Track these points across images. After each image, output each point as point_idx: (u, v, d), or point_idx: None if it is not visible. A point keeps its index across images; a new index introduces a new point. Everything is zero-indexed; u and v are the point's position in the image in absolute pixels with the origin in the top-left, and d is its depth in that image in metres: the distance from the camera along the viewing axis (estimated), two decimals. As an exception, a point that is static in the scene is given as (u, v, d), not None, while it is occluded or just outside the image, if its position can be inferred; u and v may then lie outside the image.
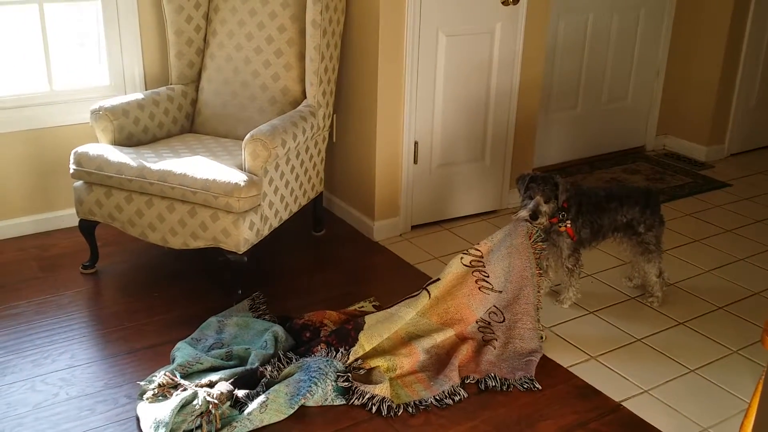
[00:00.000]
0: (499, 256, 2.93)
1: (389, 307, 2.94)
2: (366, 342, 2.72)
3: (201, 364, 2.62)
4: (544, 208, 2.92)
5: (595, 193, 3.14)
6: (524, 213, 2.92)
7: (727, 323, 3.10)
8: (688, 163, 4.98)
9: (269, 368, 2.59)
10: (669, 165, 4.94)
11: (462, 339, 2.86)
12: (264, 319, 2.96)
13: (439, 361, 2.77)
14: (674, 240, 3.80)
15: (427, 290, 2.91)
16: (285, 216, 3.31)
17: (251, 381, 2.56)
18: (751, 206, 4.31)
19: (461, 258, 2.95)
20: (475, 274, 2.93)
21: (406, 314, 2.84)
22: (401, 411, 2.52)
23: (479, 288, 2.93)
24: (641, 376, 2.74)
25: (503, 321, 2.91)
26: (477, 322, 2.91)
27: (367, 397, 2.53)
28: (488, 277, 2.93)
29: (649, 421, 2.50)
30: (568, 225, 3.02)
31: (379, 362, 2.68)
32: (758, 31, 4.86)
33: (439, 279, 2.94)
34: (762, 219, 4.13)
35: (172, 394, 2.45)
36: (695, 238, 3.88)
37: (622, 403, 2.59)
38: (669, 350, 2.90)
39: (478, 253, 2.95)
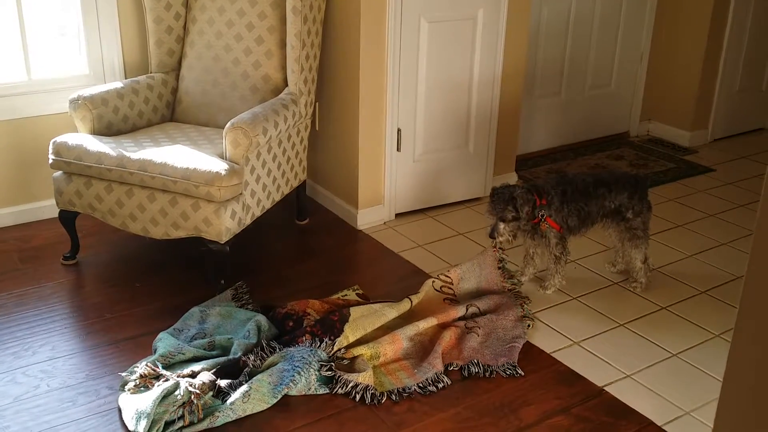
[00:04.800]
0: (469, 285, 3.12)
1: (373, 303, 2.94)
2: (351, 333, 2.72)
3: (183, 354, 2.61)
4: (502, 227, 2.99)
5: (582, 179, 3.13)
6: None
7: (709, 307, 3.12)
8: (671, 148, 5.00)
9: (252, 358, 2.58)
10: (653, 150, 4.95)
11: (445, 327, 2.86)
12: (247, 308, 2.95)
13: (422, 349, 2.77)
14: (658, 225, 3.81)
15: (409, 299, 2.96)
16: (267, 205, 3.29)
17: (234, 371, 2.55)
18: (734, 191, 4.32)
19: (433, 282, 3.08)
20: (445, 302, 3.03)
21: (390, 314, 2.86)
22: (385, 399, 2.51)
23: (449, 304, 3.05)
24: (624, 360, 2.75)
25: (486, 315, 2.94)
26: (459, 319, 2.93)
27: (350, 385, 2.53)
28: (458, 303, 3.03)
29: (632, 406, 2.51)
30: (549, 219, 3.03)
31: (362, 350, 2.68)
32: (741, 15, 4.87)
33: (419, 293, 3.02)
34: (745, 203, 4.14)
35: (153, 385, 2.44)
36: (678, 223, 3.89)
37: (605, 388, 2.60)
38: (651, 335, 2.91)
39: (449, 280, 3.11)
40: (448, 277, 3.12)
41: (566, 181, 3.10)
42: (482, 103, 3.90)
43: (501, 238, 3.02)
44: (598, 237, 3.51)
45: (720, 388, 1.44)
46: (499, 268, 3.15)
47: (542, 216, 3.02)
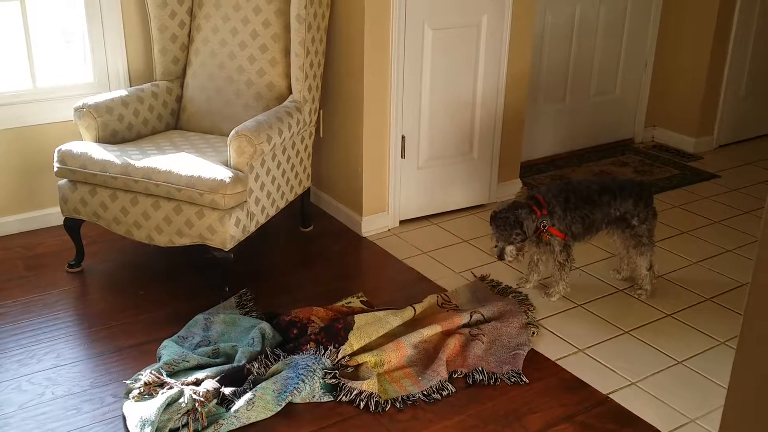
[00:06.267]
0: (467, 300, 3.15)
1: (377, 311, 2.94)
2: (355, 341, 2.72)
3: (187, 362, 2.61)
4: (509, 250, 3.02)
5: (586, 186, 3.13)
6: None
7: (714, 314, 3.11)
8: (676, 154, 4.99)
9: (256, 365, 2.58)
10: (658, 157, 4.94)
11: (449, 334, 2.86)
12: (251, 316, 2.95)
13: (426, 356, 2.76)
14: (663, 232, 3.80)
15: (413, 307, 2.97)
16: (272, 212, 3.29)
17: (238, 378, 2.54)
18: (739, 197, 4.31)
19: (437, 297, 3.10)
20: (449, 312, 3.02)
21: (394, 321, 2.86)
22: (389, 406, 2.51)
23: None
24: (629, 368, 2.74)
25: (490, 322, 2.94)
26: (463, 326, 2.92)
27: (354, 393, 2.52)
28: (462, 311, 3.03)
29: (637, 413, 2.50)
30: (552, 229, 3.04)
31: (366, 358, 2.68)
32: (746, 21, 4.86)
33: (422, 302, 3.03)
34: (750, 210, 4.13)
35: (158, 393, 2.44)
36: (683, 229, 3.88)
37: (610, 396, 2.59)
38: (657, 342, 2.90)
39: (447, 298, 3.12)
40: (447, 297, 3.14)
41: (569, 188, 3.10)
42: (486, 109, 3.90)
43: (511, 259, 3.06)
44: (602, 244, 3.50)
45: (725, 395, 1.43)
46: (495, 291, 3.20)
47: (544, 226, 3.02)
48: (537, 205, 3.03)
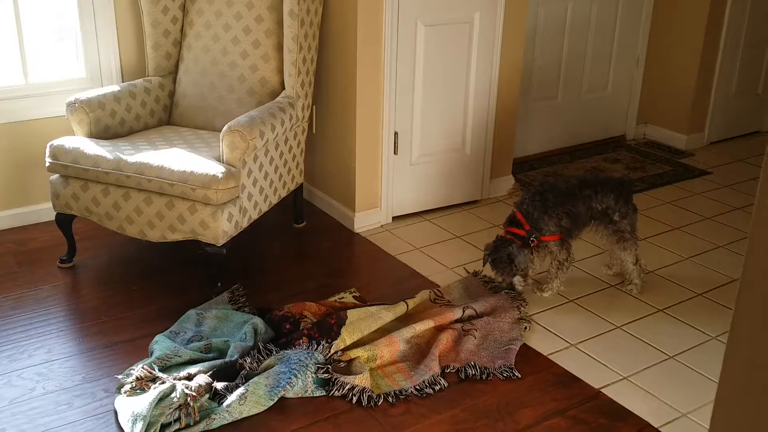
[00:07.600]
0: (459, 296, 3.15)
1: (370, 306, 2.94)
2: (348, 337, 2.72)
3: (179, 356, 2.61)
4: (517, 280, 3.12)
5: (564, 182, 3.15)
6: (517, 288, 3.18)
7: (706, 310, 3.12)
8: (668, 151, 5.00)
9: (249, 360, 2.58)
10: (649, 153, 4.96)
11: (442, 329, 2.86)
12: (243, 311, 2.95)
13: (419, 351, 2.77)
14: (654, 228, 3.82)
15: (405, 302, 2.97)
16: (264, 208, 3.29)
17: (230, 373, 2.55)
18: (730, 194, 4.33)
19: (429, 292, 3.11)
20: (442, 307, 3.03)
21: (386, 317, 2.87)
22: (381, 401, 2.51)
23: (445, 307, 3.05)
24: (621, 363, 2.75)
25: (482, 317, 2.94)
26: (456, 321, 2.93)
27: (347, 387, 2.53)
28: (454, 306, 3.04)
29: (629, 408, 2.51)
30: (543, 237, 3.07)
31: (359, 353, 2.68)
32: (737, 18, 4.88)
33: (414, 297, 3.04)
34: (741, 206, 4.15)
35: (150, 388, 2.43)
36: (675, 225, 3.90)
37: (602, 390, 2.60)
38: (648, 337, 2.91)
39: (440, 294, 3.14)
40: (439, 293, 3.15)
41: (546, 188, 3.12)
42: (479, 106, 3.91)
43: (519, 284, 3.13)
44: (594, 239, 3.51)
45: (716, 390, 1.44)
46: (487, 286, 3.20)
47: (532, 240, 3.04)
48: (517, 226, 3.05)
